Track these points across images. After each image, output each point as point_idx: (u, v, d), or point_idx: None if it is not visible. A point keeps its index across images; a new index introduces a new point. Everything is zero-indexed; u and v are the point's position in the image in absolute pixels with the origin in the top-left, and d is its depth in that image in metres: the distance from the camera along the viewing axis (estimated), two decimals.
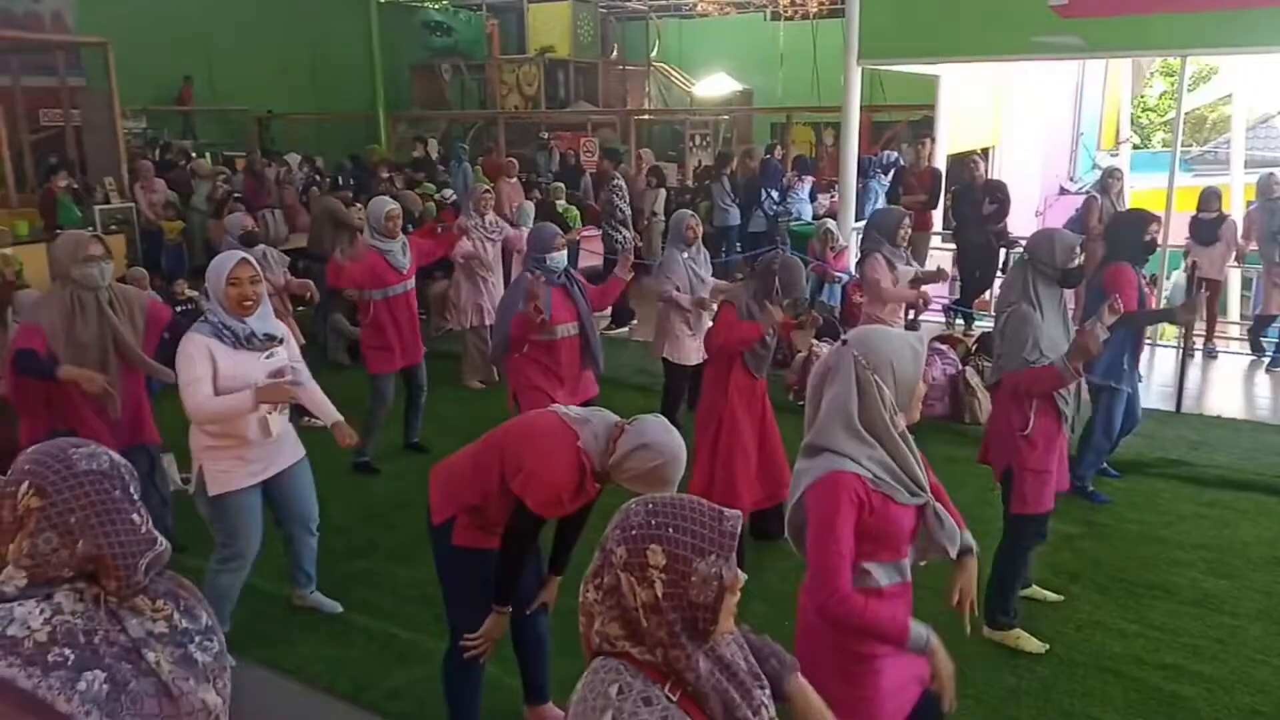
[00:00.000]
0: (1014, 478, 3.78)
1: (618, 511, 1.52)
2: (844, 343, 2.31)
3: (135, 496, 1.61)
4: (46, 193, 9.91)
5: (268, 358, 3.66)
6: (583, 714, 1.43)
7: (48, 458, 1.57)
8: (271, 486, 3.82)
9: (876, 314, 5.59)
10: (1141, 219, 5.11)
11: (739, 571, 1.48)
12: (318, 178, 12.74)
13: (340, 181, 12.68)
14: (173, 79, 16.38)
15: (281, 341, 3.75)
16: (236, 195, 10.66)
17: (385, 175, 11.44)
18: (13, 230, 8.51)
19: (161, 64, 15.53)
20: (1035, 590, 4.28)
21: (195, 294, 7.36)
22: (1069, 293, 3.94)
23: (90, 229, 9.47)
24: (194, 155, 12.88)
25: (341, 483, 5.64)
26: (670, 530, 1.44)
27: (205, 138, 16.92)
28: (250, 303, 3.58)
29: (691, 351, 5.87)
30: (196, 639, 1.63)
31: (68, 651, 1.47)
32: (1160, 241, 7.40)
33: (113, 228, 9.74)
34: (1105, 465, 5.55)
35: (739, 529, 1.49)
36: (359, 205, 8.11)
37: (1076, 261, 3.75)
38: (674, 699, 1.45)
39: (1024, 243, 4.94)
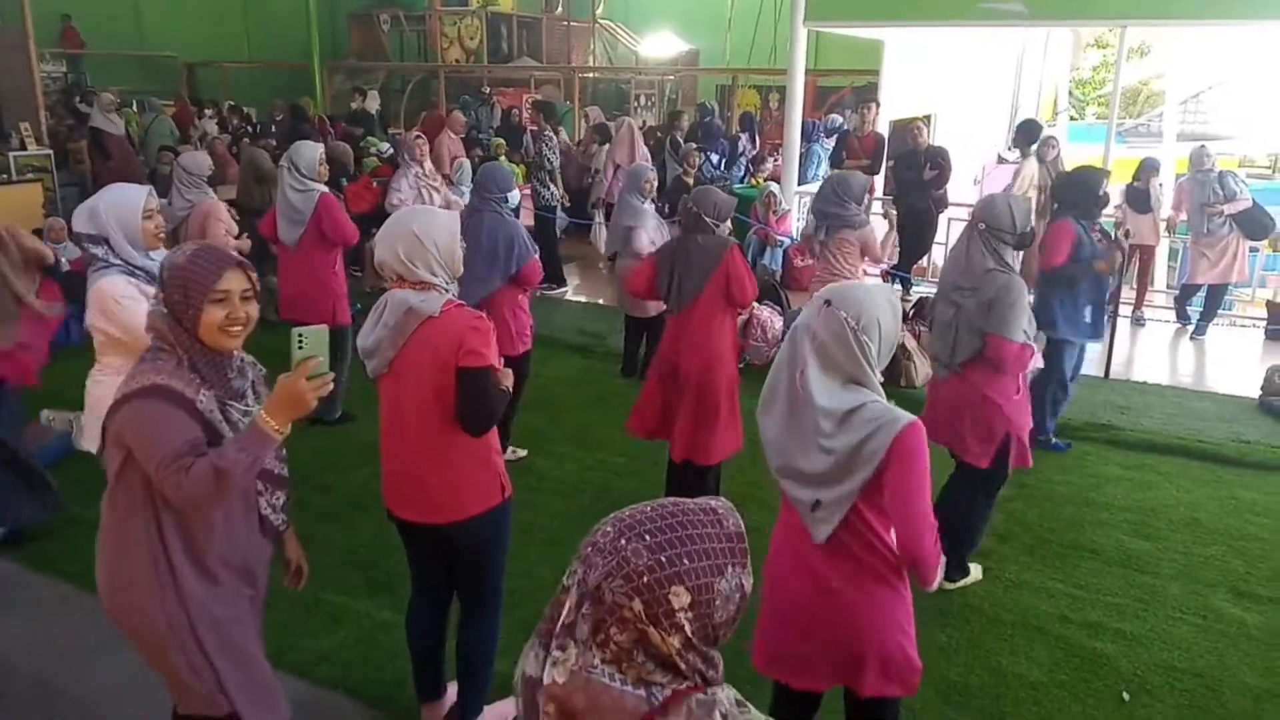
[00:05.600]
0: (1013, 440, 3.78)
1: (596, 553, 1.27)
2: (827, 304, 2.16)
3: None
4: None
5: None
6: None
7: None
8: None
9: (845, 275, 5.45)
10: (1096, 175, 5.20)
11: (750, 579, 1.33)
12: (249, 129, 12.31)
13: (274, 131, 12.25)
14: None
15: None
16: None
17: (328, 128, 11.08)
18: None
19: (82, 4, 14.85)
20: None
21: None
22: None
23: (3, 175, 9.06)
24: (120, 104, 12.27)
25: None
26: (686, 561, 1.25)
27: (131, 85, 16.25)
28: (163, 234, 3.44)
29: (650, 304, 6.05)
30: None
31: None
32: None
33: (29, 175, 9.29)
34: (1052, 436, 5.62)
35: (742, 525, 1.31)
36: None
37: (1031, 224, 3.78)
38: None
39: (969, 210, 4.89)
